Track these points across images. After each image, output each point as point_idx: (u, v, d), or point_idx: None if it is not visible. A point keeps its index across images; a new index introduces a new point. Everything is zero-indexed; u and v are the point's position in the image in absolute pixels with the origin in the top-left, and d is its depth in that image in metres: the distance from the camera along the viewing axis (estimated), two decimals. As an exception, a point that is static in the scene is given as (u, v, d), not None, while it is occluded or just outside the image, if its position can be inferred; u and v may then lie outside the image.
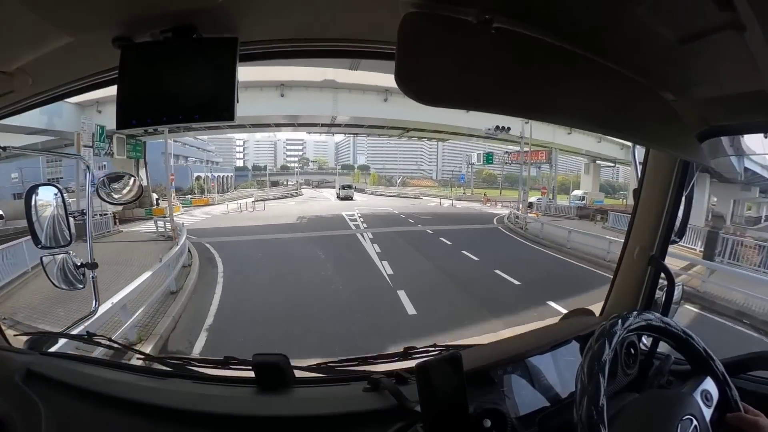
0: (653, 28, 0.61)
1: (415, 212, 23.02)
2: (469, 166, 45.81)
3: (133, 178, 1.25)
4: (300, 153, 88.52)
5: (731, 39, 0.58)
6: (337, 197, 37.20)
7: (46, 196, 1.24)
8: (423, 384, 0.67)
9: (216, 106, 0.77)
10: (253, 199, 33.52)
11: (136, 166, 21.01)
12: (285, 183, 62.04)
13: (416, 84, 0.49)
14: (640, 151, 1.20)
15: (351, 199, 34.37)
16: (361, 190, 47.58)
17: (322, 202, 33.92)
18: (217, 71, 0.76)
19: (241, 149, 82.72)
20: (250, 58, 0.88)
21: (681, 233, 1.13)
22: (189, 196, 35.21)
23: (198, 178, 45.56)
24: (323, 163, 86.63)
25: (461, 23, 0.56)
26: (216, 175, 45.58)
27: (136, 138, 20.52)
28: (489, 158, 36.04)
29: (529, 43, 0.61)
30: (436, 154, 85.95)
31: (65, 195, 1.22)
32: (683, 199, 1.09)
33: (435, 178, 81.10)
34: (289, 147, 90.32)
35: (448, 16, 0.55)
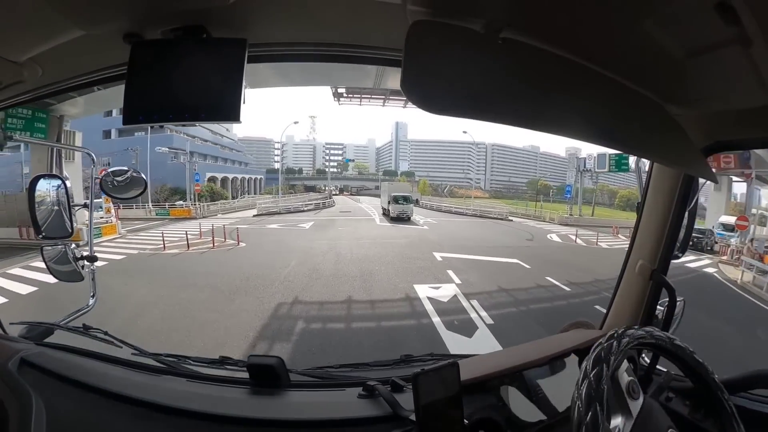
0: (659, 42, 0.61)
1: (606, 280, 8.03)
2: (580, 173, 30.17)
3: (137, 173, 1.26)
4: (339, 157, 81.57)
5: (737, 53, 0.58)
6: (384, 214, 23.14)
7: (49, 186, 1.24)
8: (419, 392, 0.66)
9: (222, 106, 0.77)
10: (255, 212, 24.11)
11: (49, 155, 12.73)
12: (322, 188, 55.30)
13: (422, 91, 0.49)
14: (643, 165, 1.20)
15: (408, 219, 20.77)
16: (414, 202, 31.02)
17: (360, 224, 18.96)
18: (224, 71, 0.76)
19: (279, 152, 78.16)
20: (258, 59, 0.88)
21: (683, 248, 1.13)
22: (178, 203, 27.17)
23: (213, 179, 36.86)
24: (363, 168, 79.47)
25: (468, 33, 0.56)
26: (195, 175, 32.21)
27: (37, 110, 10.86)
28: (621, 163, 23.67)
29: (536, 54, 0.61)
30: (485, 162, 78.14)
31: (69, 186, 1.23)
32: (686, 213, 1.08)
33: (484, 187, 72.93)
34: (328, 151, 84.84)
35: (455, 26, 0.56)
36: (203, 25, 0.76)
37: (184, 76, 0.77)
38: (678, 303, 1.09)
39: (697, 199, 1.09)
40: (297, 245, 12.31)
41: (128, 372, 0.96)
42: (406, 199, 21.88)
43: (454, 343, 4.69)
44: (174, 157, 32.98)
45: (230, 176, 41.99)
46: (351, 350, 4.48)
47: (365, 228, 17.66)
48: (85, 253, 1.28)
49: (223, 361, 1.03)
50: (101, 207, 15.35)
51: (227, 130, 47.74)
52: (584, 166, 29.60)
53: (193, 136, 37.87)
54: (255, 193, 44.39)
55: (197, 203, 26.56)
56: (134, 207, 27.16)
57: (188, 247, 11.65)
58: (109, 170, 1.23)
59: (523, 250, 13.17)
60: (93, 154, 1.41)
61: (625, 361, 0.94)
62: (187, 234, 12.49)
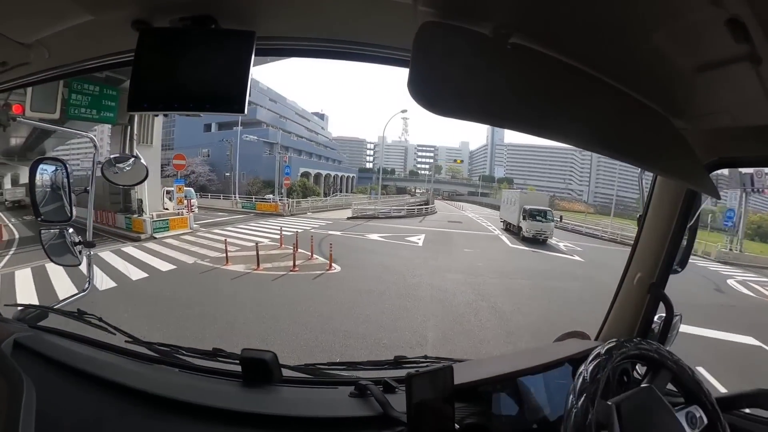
0: (669, 55, 0.60)
1: None
2: (745, 194, 18.94)
3: (139, 160, 1.25)
4: (431, 160, 76.66)
5: (746, 71, 0.58)
6: (506, 230, 18.88)
7: (50, 170, 1.24)
8: (411, 394, 0.66)
9: (228, 98, 0.76)
10: (349, 213, 20.92)
11: (122, 138, 11.79)
12: (413, 190, 52.13)
13: (428, 93, 0.49)
14: (646, 178, 1.20)
15: (544, 242, 15.58)
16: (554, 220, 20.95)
17: (488, 245, 13.96)
18: (232, 63, 0.76)
19: (371, 152, 78.17)
20: (266, 53, 0.88)
21: (683, 263, 1.13)
22: (267, 197, 25.19)
23: (306, 174, 35.67)
24: (457, 171, 74.18)
25: (477, 36, 0.56)
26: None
27: (107, 86, 10.22)
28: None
29: (545, 61, 0.60)
30: (589, 172, 68.19)
31: (70, 171, 1.23)
32: (687, 229, 1.08)
33: (587, 201, 64.40)
34: (420, 153, 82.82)
35: (465, 28, 0.55)
36: (212, 15, 0.76)
37: (190, 66, 0.76)
38: (675, 318, 1.09)
39: (699, 215, 1.09)
40: (420, 281, 7.65)
41: (121, 359, 0.96)
42: (545, 216, 16.18)
43: None
44: (269, 151, 33.09)
45: (323, 173, 41.09)
46: None
47: (501, 252, 12.07)
48: (72, 235, 1.27)
49: (215, 354, 1.03)
50: (173, 197, 13.96)
51: (322, 128, 47.78)
52: (751, 185, 18.73)
53: (289, 132, 37.95)
54: (347, 191, 43.10)
55: (286, 199, 23.57)
56: (221, 197, 26.26)
57: (258, 265, 8.00)
58: (110, 156, 1.23)
59: (735, 316, 7.19)
60: (96, 140, 1.40)
61: (619, 372, 0.94)
62: (258, 249, 8.38)
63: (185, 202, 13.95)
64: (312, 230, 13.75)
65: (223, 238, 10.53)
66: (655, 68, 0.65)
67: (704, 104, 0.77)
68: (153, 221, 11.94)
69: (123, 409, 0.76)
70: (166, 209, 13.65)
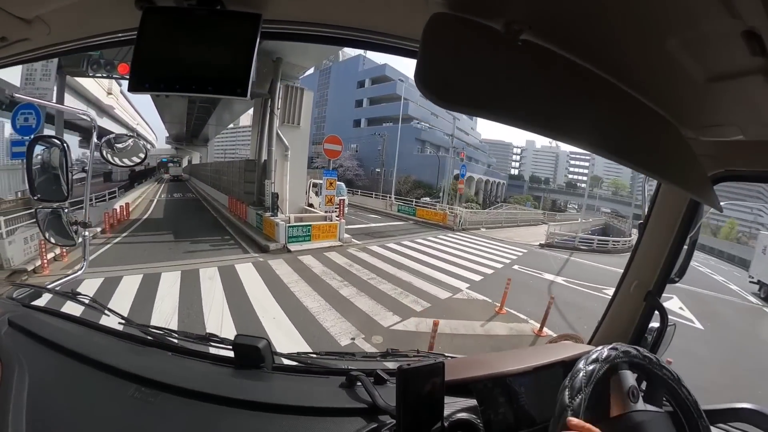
0: (681, 63, 0.59)
1: None
2: None
3: (138, 141, 1.23)
4: (586, 170, 62.95)
5: (759, 85, 0.57)
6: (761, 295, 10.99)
7: (48, 148, 1.22)
8: (402, 388, 0.66)
9: (231, 81, 0.75)
10: (542, 237, 14.29)
11: (261, 115, 10.15)
12: (563, 206, 42.79)
13: (436, 85, 0.48)
14: (650, 186, 1.19)
15: None
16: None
17: None
18: (236, 46, 0.74)
19: (518, 157, 69.20)
20: (272, 36, 0.86)
21: (681, 273, 1.13)
22: (423, 199, 21.54)
23: (456, 176, 29.99)
24: (622, 186, 56.03)
25: (488, 30, 0.55)
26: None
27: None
28: None
29: (555, 59, 0.59)
30: None
31: (68, 150, 1.21)
32: (688, 239, 1.08)
33: None
34: (572, 162, 69.68)
35: (476, 22, 0.54)
36: None
37: (194, 47, 0.75)
38: (669, 327, 1.10)
39: (699, 226, 1.09)
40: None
41: (113, 341, 0.96)
42: None
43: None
44: (420, 149, 31.61)
45: (475, 176, 37.18)
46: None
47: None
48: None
49: (209, 338, 1.03)
50: (320, 192, 10.07)
51: (472, 129, 45.52)
52: None
53: (432, 127, 36.64)
54: (499, 200, 38.71)
55: (458, 207, 17.80)
56: (373, 195, 23.75)
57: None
58: (110, 136, 1.21)
59: None
60: (95, 119, 1.38)
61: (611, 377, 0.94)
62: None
63: (335, 201, 9.58)
64: (515, 266, 8.50)
65: (390, 270, 6.34)
66: (667, 75, 0.64)
67: (713, 115, 0.76)
68: (289, 227, 8.52)
69: (114, 391, 0.76)
70: (311, 205, 10.44)
